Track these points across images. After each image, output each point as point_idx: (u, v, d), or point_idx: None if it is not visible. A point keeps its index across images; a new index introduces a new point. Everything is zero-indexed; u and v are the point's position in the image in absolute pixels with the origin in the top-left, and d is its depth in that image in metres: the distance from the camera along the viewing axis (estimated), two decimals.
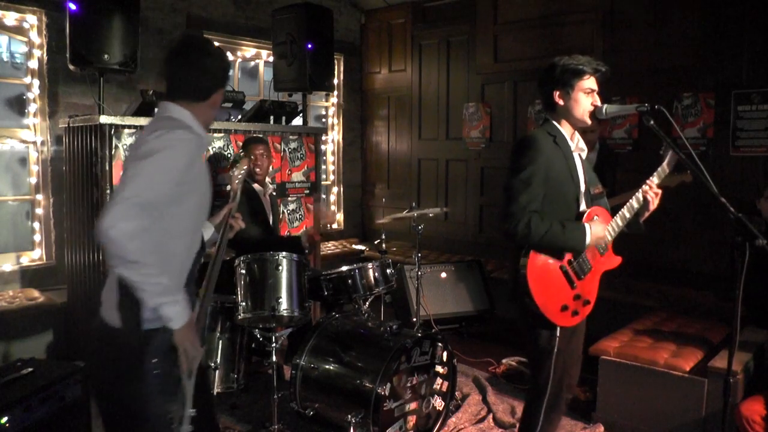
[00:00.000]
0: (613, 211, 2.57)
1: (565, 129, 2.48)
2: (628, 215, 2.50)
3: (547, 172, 2.36)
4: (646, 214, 2.52)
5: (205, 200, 2.02)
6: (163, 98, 2.01)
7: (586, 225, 2.39)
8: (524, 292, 2.33)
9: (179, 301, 1.79)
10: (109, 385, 1.91)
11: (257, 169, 3.85)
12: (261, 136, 4.32)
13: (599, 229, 2.42)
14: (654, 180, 2.49)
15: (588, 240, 2.37)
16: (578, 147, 2.51)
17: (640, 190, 2.49)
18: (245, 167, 2.54)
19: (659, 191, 2.49)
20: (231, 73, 1.94)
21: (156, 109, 2.02)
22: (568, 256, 2.40)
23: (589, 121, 2.45)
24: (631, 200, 2.50)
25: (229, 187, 2.71)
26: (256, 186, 3.87)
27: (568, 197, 2.44)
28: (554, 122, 2.49)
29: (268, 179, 4.03)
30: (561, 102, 2.44)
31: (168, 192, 1.79)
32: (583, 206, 2.48)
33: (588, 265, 2.46)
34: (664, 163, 2.49)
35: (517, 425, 3.43)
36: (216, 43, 2.09)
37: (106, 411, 1.98)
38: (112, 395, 1.92)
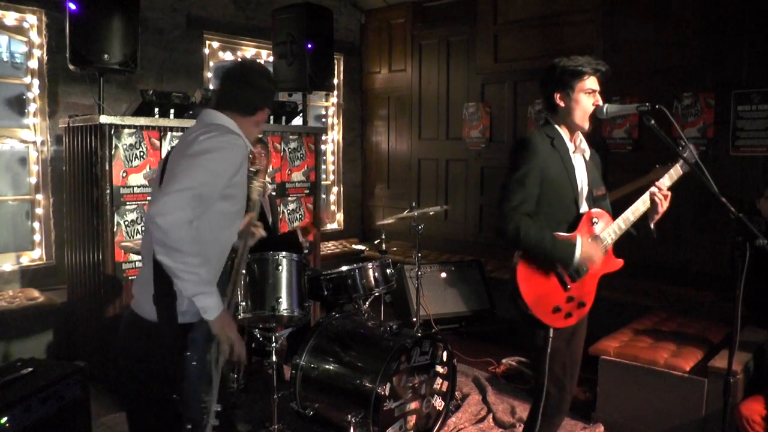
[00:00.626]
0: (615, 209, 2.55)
1: (564, 131, 2.47)
2: (632, 218, 2.46)
3: (542, 173, 2.35)
4: (656, 218, 2.48)
5: (244, 204, 2.13)
6: (210, 107, 2.12)
7: (578, 241, 2.34)
8: (515, 293, 2.34)
9: (215, 293, 1.85)
10: (146, 378, 1.96)
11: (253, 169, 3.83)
12: (260, 135, 4.31)
13: (591, 248, 2.36)
14: (665, 182, 2.45)
15: (577, 257, 2.32)
16: (580, 148, 2.50)
17: (648, 192, 2.45)
18: (266, 178, 2.58)
19: (668, 194, 2.44)
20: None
21: (199, 116, 2.13)
22: None
23: (587, 125, 2.43)
24: (636, 203, 2.46)
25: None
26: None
27: (566, 199, 2.42)
28: (554, 124, 2.47)
29: (268, 179, 4.03)
30: (562, 103, 2.43)
31: (220, 189, 1.89)
32: (583, 208, 2.47)
33: (584, 269, 2.42)
34: (678, 165, 2.44)
35: (518, 425, 3.44)
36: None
37: (136, 403, 2.04)
38: (149, 387, 1.97)
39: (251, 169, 2.39)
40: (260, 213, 3.83)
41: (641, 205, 2.46)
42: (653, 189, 2.45)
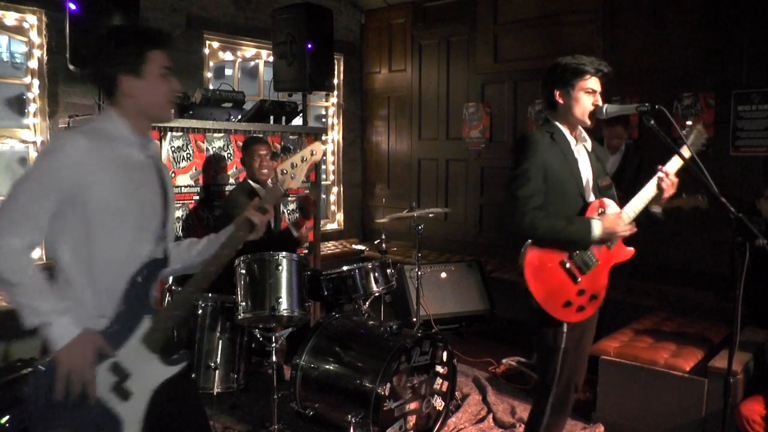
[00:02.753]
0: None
1: (564, 127, 2.48)
2: (641, 205, 2.43)
3: (545, 168, 2.37)
4: (663, 201, 2.44)
5: (138, 203, 1.81)
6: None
7: (593, 219, 2.36)
8: (524, 288, 2.34)
9: (53, 323, 1.64)
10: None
11: (264, 170, 3.82)
12: (261, 136, 4.31)
13: (610, 222, 2.35)
14: (671, 167, 2.40)
15: (596, 232, 2.33)
16: (581, 138, 2.51)
17: (655, 177, 2.41)
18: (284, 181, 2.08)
19: (676, 180, 2.41)
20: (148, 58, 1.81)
21: None
22: (566, 252, 2.39)
23: (588, 122, 2.44)
24: (644, 189, 2.44)
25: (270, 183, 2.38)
26: (257, 186, 3.85)
27: (571, 192, 2.44)
28: (554, 121, 2.49)
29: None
30: (561, 101, 2.45)
31: (44, 204, 1.66)
32: (590, 199, 2.48)
33: (593, 260, 2.43)
34: (685, 146, 2.32)
35: (518, 425, 3.44)
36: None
37: None
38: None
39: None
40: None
41: (649, 191, 2.43)
42: (660, 174, 2.41)
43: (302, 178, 1.99)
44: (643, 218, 2.48)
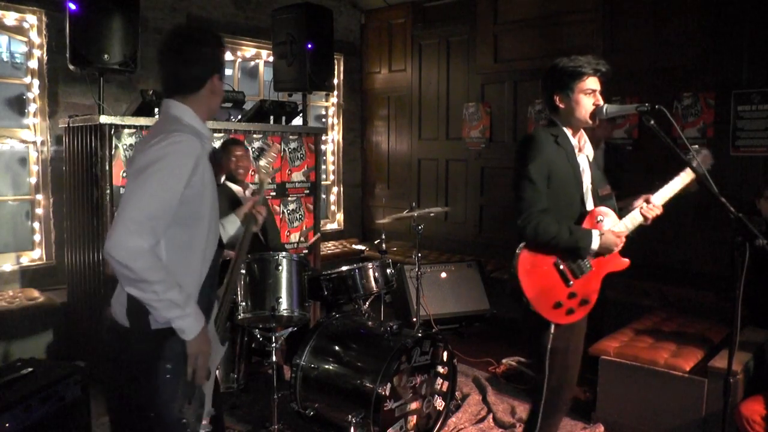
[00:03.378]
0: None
1: (568, 129, 2.48)
2: (630, 227, 2.48)
3: (549, 170, 2.37)
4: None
5: (215, 199, 1.97)
6: (164, 96, 1.98)
7: (594, 232, 2.37)
8: (516, 287, 2.35)
9: (189, 315, 1.76)
10: (124, 386, 1.89)
11: (240, 170, 3.81)
12: (236, 138, 4.26)
13: (609, 239, 2.39)
14: (659, 200, 2.46)
15: (595, 246, 2.36)
16: (584, 148, 2.51)
17: (637, 209, 2.47)
18: (273, 155, 2.45)
19: (660, 210, 2.47)
20: (225, 60, 1.96)
21: (158, 109, 2.04)
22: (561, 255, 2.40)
23: (591, 122, 2.44)
24: (634, 213, 2.47)
25: (256, 179, 2.61)
26: (234, 186, 3.82)
27: (572, 196, 2.44)
28: (558, 124, 2.49)
29: (268, 179, 4.01)
30: (562, 105, 2.44)
31: (174, 203, 1.75)
32: (589, 206, 2.48)
33: (587, 266, 2.44)
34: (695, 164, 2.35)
35: (518, 425, 3.44)
36: (206, 31, 2.03)
37: (117, 411, 1.97)
38: (126, 396, 1.89)
39: (253, 148, 2.32)
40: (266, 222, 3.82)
41: (638, 216, 2.48)
42: (643, 204, 2.47)
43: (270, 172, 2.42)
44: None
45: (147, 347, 1.80)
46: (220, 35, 2.00)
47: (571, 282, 2.41)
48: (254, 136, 4.55)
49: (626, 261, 2.56)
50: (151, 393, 1.81)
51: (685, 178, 2.48)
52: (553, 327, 2.41)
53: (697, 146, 2.46)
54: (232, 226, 2.32)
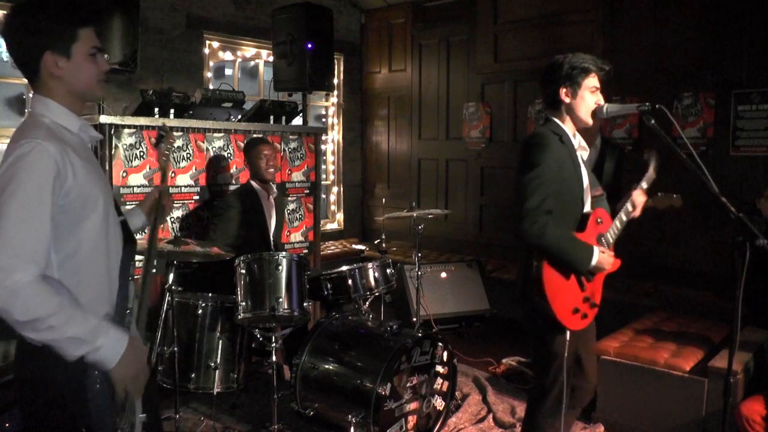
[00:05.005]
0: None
1: (568, 128, 2.47)
2: (625, 218, 2.54)
3: (558, 170, 2.34)
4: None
5: (105, 192, 1.70)
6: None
7: (595, 249, 2.37)
8: (539, 294, 2.31)
9: (101, 346, 1.52)
10: (42, 410, 1.62)
11: (270, 170, 3.84)
12: (262, 136, 4.31)
13: (606, 259, 2.39)
14: (643, 185, 2.58)
15: (593, 263, 2.35)
16: (580, 146, 2.51)
17: (632, 195, 2.56)
18: (172, 141, 2.33)
19: (644, 199, 2.59)
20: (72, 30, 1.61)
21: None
22: None
23: (590, 121, 2.44)
24: (626, 205, 2.55)
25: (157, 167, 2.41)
26: (258, 187, 3.86)
27: (575, 196, 2.44)
28: (557, 121, 2.47)
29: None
30: (567, 99, 2.42)
31: (46, 224, 1.49)
32: (587, 207, 2.48)
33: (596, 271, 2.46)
34: (651, 169, 2.62)
35: (518, 425, 3.44)
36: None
37: None
38: (47, 420, 1.63)
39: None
40: (261, 220, 3.83)
41: (630, 206, 2.55)
42: (636, 192, 2.58)
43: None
44: None
45: (70, 364, 1.53)
46: (81, 4, 1.65)
47: (586, 286, 2.41)
48: (254, 136, 4.56)
49: (618, 261, 2.56)
50: (80, 411, 1.59)
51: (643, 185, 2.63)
52: (568, 333, 2.39)
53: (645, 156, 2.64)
54: (137, 219, 2.08)
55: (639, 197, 2.56)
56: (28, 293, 1.42)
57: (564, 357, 2.39)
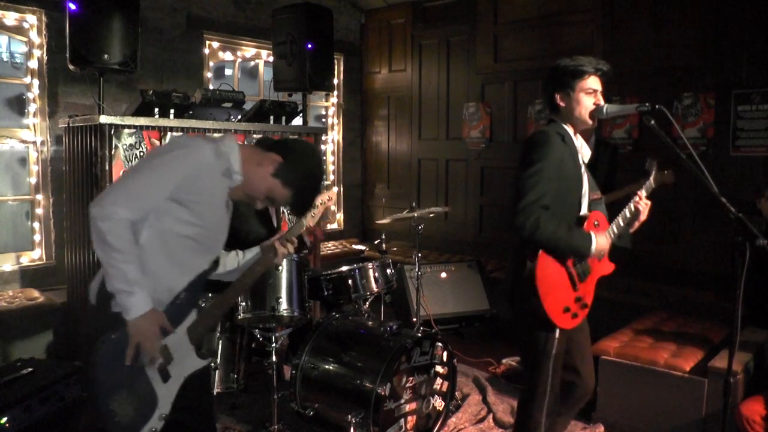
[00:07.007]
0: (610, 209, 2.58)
1: (570, 129, 2.48)
2: (622, 224, 2.52)
3: (559, 169, 2.35)
4: (636, 225, 2.55)
5: (210, 235, 2.05)
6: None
7: (592, 233, 2.38)
8: (531, 292, 2.32)
9: (134, 293, 1.83)
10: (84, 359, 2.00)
11: None
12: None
13: (604, 241, 2.41)
14: (642, 193, 2.55)
15: (593, 248, 2.36)
16: (581, 150, 2.51)
17: (631, 202, 2.52)
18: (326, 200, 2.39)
19: (648, 202, 2.54)
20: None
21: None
22: (571, 259, 2.40)
23: (590, 122, 2.44)
24: (624, 211, 2.52)
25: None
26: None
27: (574, 197, 2.44)
28: (560, 122, 2.49)
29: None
30: (562, 103, 2.45)
31: (167, 193, 1.88)
32: (584, 209, 2.48)
33: (589, 269, 2.47)
34: (651, 179, 2.58)
35: None
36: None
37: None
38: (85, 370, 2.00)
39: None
40: (265, 215, 3.83)
41: (628, 212, 2.53)
42: (636, 198, 2.52)
43: (318, 218, 2.38)
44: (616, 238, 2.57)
45: (100, 325, 1.91)
46: None
47: (578, 286, 2.42)
48: (254, 136, 4.55)
49: (612, 265, 2.61)
50: (90, 371, 1.89)
51: (651, 184, 2.61)
52: (558, 332, 2.40)
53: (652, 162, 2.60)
54: (231, 261, 2.34)
55: (641, 204, 2.52)
56: (116, 225, 1.81)
57: (553, 355, 2.40)
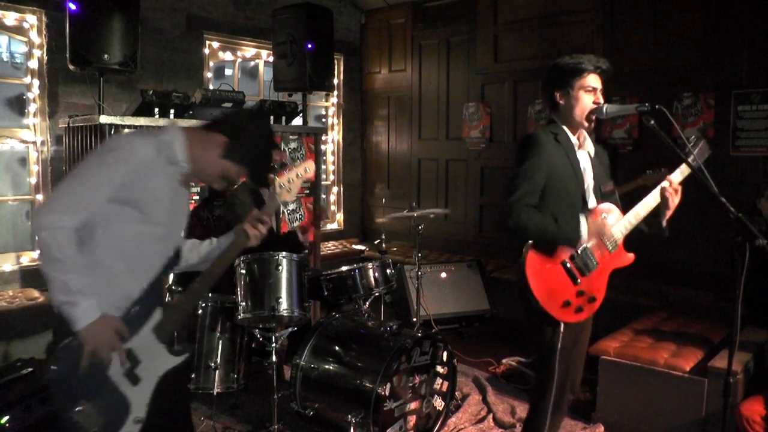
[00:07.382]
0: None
1: (568, 129, 2.48)
2: (643, 213, 2.46)
3: (548, 168, 2.36)
4: (668, 213, 2.47)
5: (166, 228, 2.00)
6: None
7: (581, 216, 2.37)
8: (524, 287, 2.33)
9: (77, 304, 1.79)
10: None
11: (274, 165, 3.85)
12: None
13: (598, 226, 2.39)
14: (677, 177, 2.44)
15: (584, 232, 2.35)
16: (584, 145, 2.51)
17: (658, 187, 2.45)
18: (300, 173, 2.27)
19: (679, 188, 2.44)
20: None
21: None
22: (568, 252, 2.39)
23: (586, 124, 2.44)
24: (647, 198, 2.46)
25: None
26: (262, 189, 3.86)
27: (573, 194, 2.43)
28: (558, 122, 2.49)
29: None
30: (562, 101, 2.45)
31: (107, 193, 1.84)
32: (591, 203, 2.48)
33: (593, 262, 2.43)
34: (690, 159, 2.32)
35: (518, 425, 3.44)
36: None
37: None
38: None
39: (274, 165, 2.28)
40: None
41: (652, 200, 2.47)
42: (664, 184, 2.44)
43: (296, 192, 2.24)
44: (645, 226, 2.50)
45: (61, 330, 1.90)
46: None
47: (579, 280, 2.40)
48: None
49: (631, 256, 2.55)
50: (49, 382, 1.90)
51: (685, 169, 2.47)
52: (562, 326, 2.40)
53: (694, 136, 2.44)
54: (194, 255, 2.25)
55: (668, 189, 2.41)
56: (57, 233, 1.75)
57: (558, 349, 2.40)
